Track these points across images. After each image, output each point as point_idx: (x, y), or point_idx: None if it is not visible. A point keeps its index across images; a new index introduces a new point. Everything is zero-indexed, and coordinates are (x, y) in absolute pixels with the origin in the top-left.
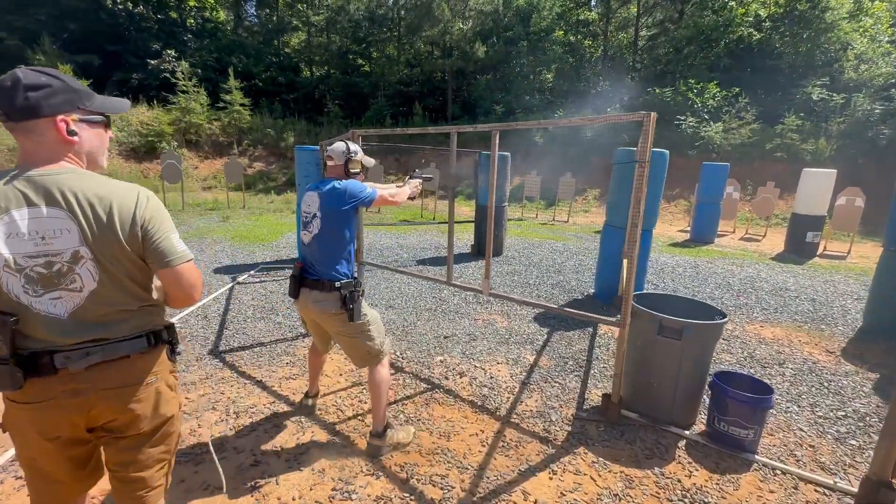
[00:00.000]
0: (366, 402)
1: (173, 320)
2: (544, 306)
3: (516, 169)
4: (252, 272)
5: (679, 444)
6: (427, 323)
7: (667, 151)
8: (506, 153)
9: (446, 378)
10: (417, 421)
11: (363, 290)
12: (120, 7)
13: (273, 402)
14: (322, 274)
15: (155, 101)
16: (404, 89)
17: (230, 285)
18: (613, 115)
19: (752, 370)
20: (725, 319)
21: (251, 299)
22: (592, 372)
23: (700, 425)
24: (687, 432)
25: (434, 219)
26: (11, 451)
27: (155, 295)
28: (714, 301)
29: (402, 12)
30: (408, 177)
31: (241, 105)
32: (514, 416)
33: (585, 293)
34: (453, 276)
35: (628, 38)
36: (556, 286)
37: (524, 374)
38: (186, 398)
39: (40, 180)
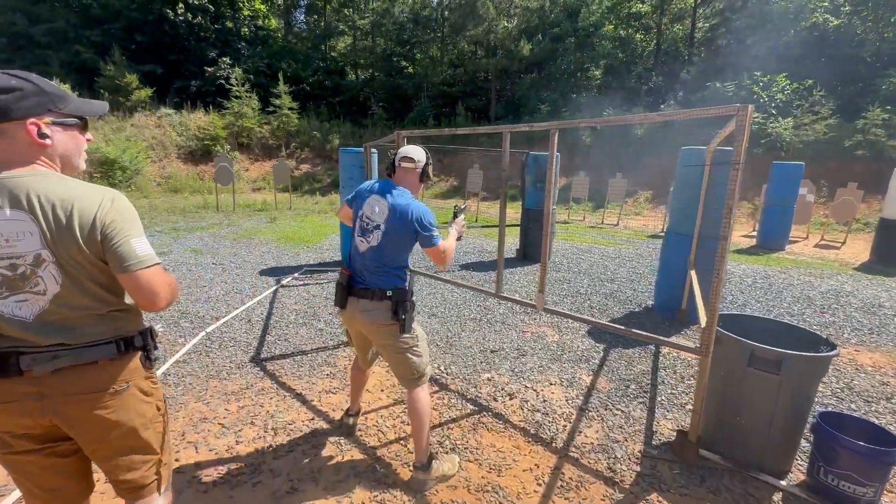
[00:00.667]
0: (409, 424)
1: (219, 324)
2: (610, 327)
3: (562, 169)
4: (296, 275)
5: (774, 497)
6: (472, 334)
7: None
8: (556, 153)
9: (495, 399)
10: (465, 449)
11: (414, 303)
12: (181, 18)
13: (312, 419)
14: (372, 283)
15: (211, 107)
16: (447, 90)
17: (274, 288)
18: (700, 110)
19: (853, 405)
20: (835, 351)
21: (294, 303)
22: (659, 399)
23: (797, 473)
24: (783, 482)
25: (476, 221)
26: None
27: (127, 299)
28: (793, 318)
29: (446, 13)
30: (452, 217)
31: (290, 109)
32: (573, 450)
33: (643, 305)
34: (501, 286)
35: (684, 29)
36: (609, 296)
37: (581, 398)
38: (226, 409)
39: (7, 183)
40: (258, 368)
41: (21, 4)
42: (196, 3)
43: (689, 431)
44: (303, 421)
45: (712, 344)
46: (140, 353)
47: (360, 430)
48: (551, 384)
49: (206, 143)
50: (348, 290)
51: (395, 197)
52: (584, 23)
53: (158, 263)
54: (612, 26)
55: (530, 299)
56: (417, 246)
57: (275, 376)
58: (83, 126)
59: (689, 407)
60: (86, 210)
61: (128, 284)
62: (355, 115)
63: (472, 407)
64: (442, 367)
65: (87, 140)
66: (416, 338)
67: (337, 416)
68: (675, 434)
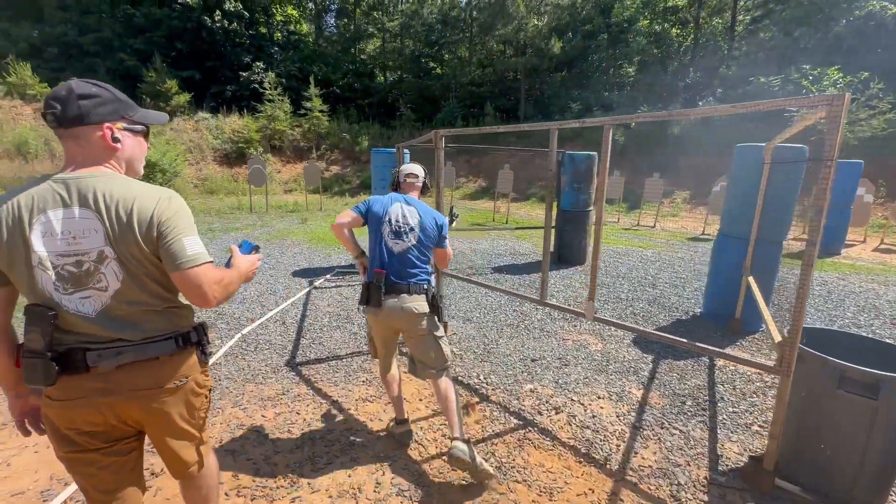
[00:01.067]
0: (449, 438)
1: (254, 326)
2: (669, 339)
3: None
4: (328, 276)
5: None
6: (510, 341)
7: (805, 146)
8: (593, 153)
9: (539, 413)
10: (512, 468)
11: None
12: (217, 25)
13: (349, 429)
14: (412, 279)
15: (245, 110)
16: (476, 90)
17: (307, 289)
18: (786, 100)
19: None
20: None
21: (327, 305)
22: (720, 418)
23: None
24: None
25: (507, 222)
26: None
27: (181, 297)
28: (861, 330)
29: (475, 12)
30: (448, 221)
31: (320, 111)
32: (630, 473)
33: (690, 312)
34: (537, 293)
35: (724, 23)
36: (653, 302)
37: (633, 413)
38: (263, 416)
39: (77, 183)
40: (294, 373)
41: (72, 16)
42: (232, 9)
43: (765, 458)
44: (340, 431)
45: (794, 362)
46: (196, 348)
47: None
48: (599, 398)
49: (240, 145)
50: (385, 290)
51: (418, 204)
52: (618, 18)
53: (209, 262)
54: (646, 21)
55: (572, 305)
56: None
57: (311, 382)
58: (146, 133)
59: (756, 428)
60: (144, 208)
61: (179, 282)
62: (384, 117)
63: (515, 421)
64: (481, 377)
65: (147, 147)
66: (443, 331)
67: (375, 426)
68: (744, 459)
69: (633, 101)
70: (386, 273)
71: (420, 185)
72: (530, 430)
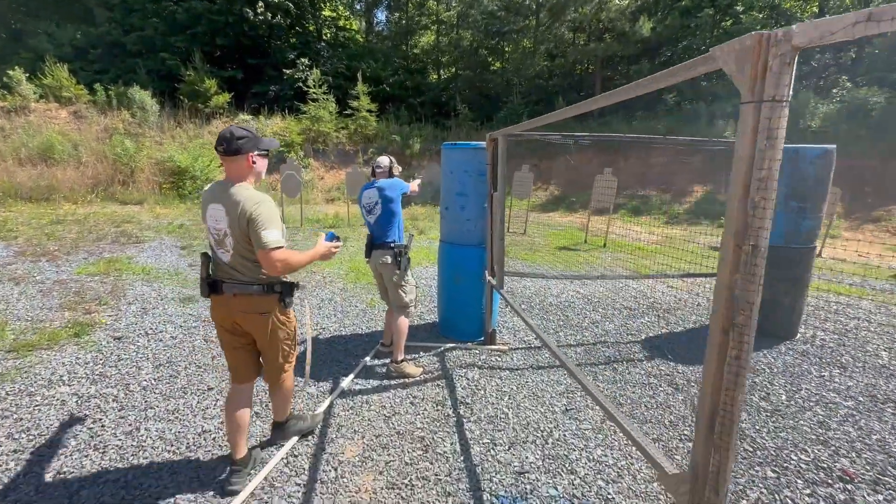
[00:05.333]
0: None
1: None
2: None
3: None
4: (369, 361)
5: None
6: None
7: None
8: (830, 146)
9: None
10: None
11: (409, 258)
12: (261, 18)
13: None
14: (383, 239)
15: (287, 111)
16: (543, 83)
17: (329, 401)
18: None
19: None
20: None
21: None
22: None
23: None
24: None
25: (605, 245)
26: None
27: None
28: None
29: None
30: (412, 178)
31: (368, 111)
32: None
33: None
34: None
35: None
36: None
37: None
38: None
39: (227, 189)
40: None
41: (117, 15)
42: (275, 0)
43: None
44: None
45: None
46: (277, 295)
47: None
48: None
49: (281, 150)
50: (371, 246)
51: (379, 184)
52: None
53: (278, 248)
54: None
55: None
56: None
57: None
58: (268, 154)
59: None
60: (244, 208)
61: (258, 257)
62: (437, 118)
63: None
64: None
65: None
66: (407, 283)
67: None
68: None
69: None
70: (370, 236)
71: (386, 172)
72: None
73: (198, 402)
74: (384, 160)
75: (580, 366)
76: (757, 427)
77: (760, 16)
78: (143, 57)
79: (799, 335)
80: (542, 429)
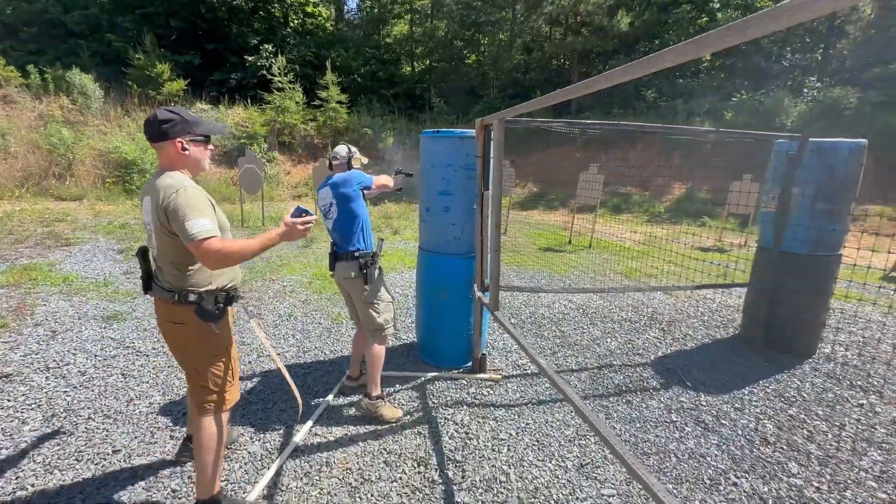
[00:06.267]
0: None
1: None
2: None
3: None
4: (333, 400)
5: None
6: None
7: None
8: (861, 140)
9: None
10: None
11: (380, 267)
12: (220, 0)
13: None
14: (346, 248)
15: (250, 101)
16: (520, 77)
17: (275, 467)
18: None
19: None
20: None
21: None
22: None
23: None
24: None
25: (591, 247)
26: None
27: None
28: None
29: None
30: (394, 173)
31: (338, 102)
32: None
33: None
34: None
35: None
36: None
37: None
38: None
39: (155, 180)
40: None
41: None
42: None
43: None
44: None
45: None
46: (194, 307)
47: None
48: None
49: (242, 141)
50: (335, 257)
51: (334, 178)
52: None
53: (210, 237)
54: None
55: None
56: None
57: None
58: (207, 140)
59: None
60: (162, 196)
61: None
62: (411, 111)
63: None
64: None
65: (209, 149)
66: (379, 298)
67: None
68: None
69: (722, 87)
70: (332, 244)
71: (344, 164)
72: None
73: (92, 476)
74: (341, 149)
75: (587, 399)
76: (815, 483)
77: (736, 13)
78: (87, 38)
79: (817, 351)
80: (554, 497)
